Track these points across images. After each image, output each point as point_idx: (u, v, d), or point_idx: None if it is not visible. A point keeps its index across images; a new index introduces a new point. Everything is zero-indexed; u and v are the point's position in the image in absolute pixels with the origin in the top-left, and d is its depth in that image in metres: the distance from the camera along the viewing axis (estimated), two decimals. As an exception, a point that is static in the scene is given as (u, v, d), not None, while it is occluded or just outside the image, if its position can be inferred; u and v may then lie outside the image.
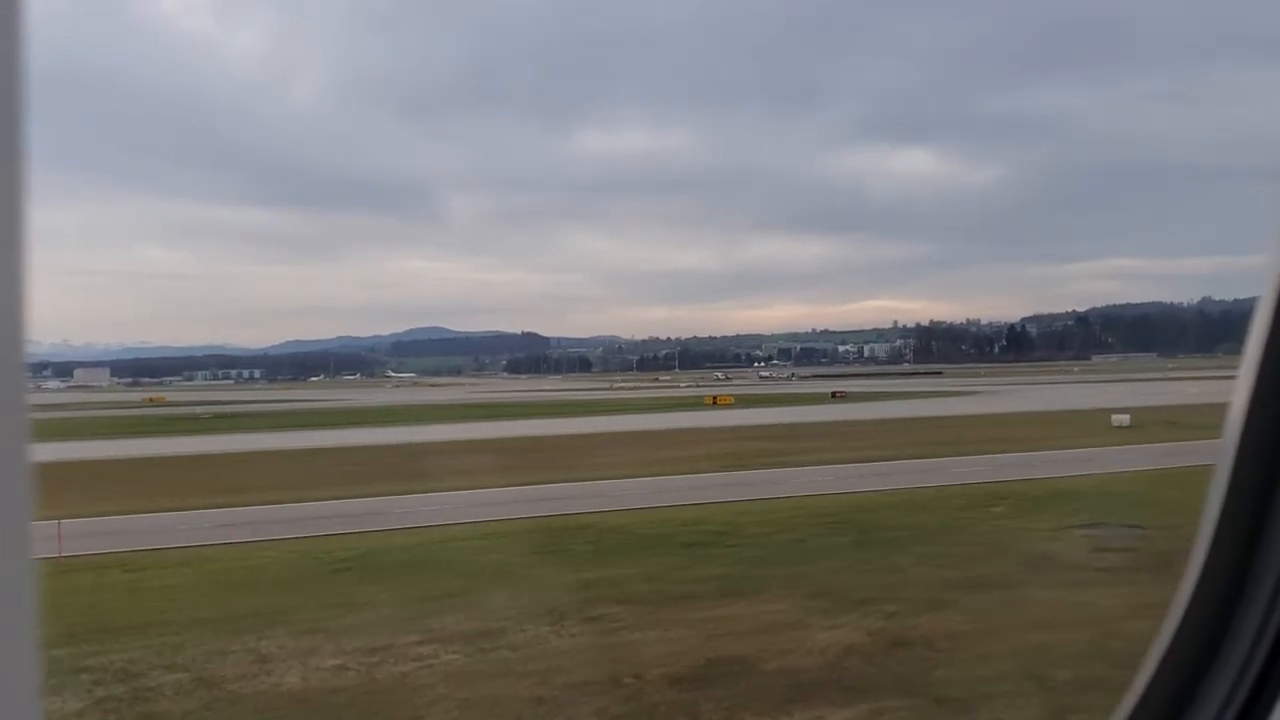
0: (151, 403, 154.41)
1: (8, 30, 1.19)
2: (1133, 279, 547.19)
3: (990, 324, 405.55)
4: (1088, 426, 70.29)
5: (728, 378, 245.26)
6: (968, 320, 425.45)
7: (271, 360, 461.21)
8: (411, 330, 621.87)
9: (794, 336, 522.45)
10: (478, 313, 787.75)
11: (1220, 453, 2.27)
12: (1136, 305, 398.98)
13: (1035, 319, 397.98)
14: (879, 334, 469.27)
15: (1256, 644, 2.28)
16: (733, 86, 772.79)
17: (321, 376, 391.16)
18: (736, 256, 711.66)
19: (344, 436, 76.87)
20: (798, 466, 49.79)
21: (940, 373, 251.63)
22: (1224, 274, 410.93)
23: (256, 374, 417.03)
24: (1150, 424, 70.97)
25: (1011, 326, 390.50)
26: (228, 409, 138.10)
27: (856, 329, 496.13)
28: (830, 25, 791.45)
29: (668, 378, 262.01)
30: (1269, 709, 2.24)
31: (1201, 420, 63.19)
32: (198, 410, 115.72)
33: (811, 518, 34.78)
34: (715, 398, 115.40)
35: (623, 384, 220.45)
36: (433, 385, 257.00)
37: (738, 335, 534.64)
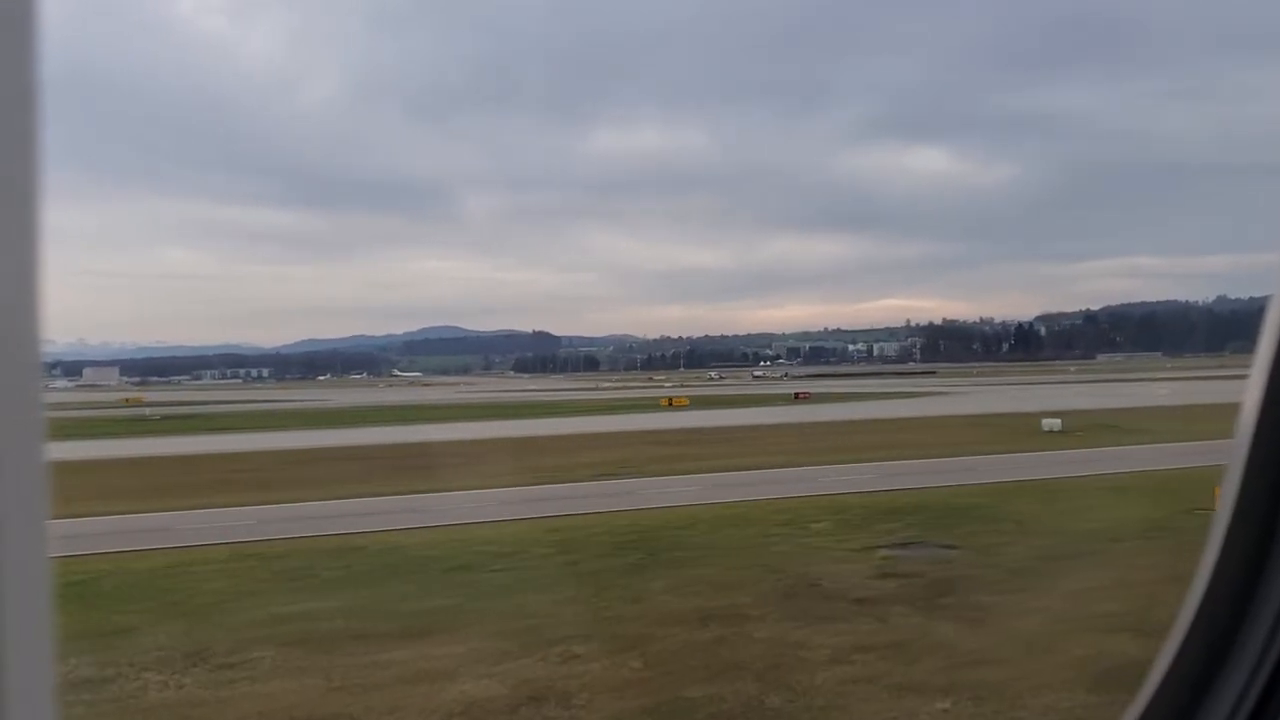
0: (128, 403, 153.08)
1: (22, 31, 1.19)
2: (1150, 277, 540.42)
3: (1003, 323, 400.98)
4: (1017, 431, 67.28)
5: (720, 377, 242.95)
6: (980, 319, 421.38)
7: (281, 360, 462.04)
8: (425, 330, 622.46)
9: (806, 336, 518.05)
10: (492, 312, 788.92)
11: (1233, 451, 2.20)
12: (1149, 304, 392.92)
13: (1046, 318, 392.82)
14: (891, 333, 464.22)
15: (1269, 644, 2.25)
16: (746, 85, 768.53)
17: (328, 376, 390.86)
18: (751, 256, 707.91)
19: (268, 440, 74.90)
20: (675, 475, 47.28)
21: (934, 372, 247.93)
22: (1240, 272, 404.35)
23: (265, 373, 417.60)
24: (1086, 428, 67.85)
25: (1020, 326, 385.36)
26: (197, 409, 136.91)
27: (869, 328, 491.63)
28: (844, 23, 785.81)
29: (662, 377, 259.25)
30: None
31: (1145, 425, 59.97)
32: (146, 411, 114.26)
33: (613, 536, 32.24)
34: (671, 399, 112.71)
35: (610, 384, 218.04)
36: (427, 385, 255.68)
37: (749, 334, 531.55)
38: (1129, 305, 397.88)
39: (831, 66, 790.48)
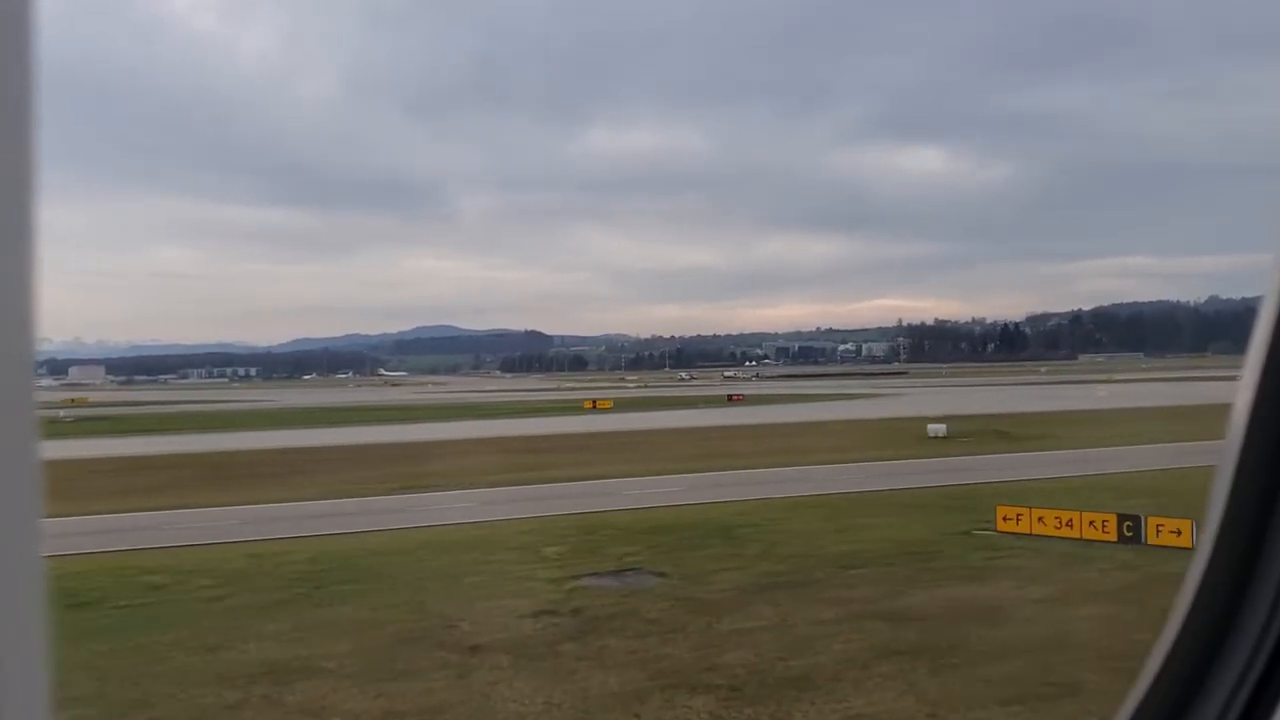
0: (73, 404, 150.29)
1: (18, 30, 1.18)
2: (1145, 277, 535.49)
3: (991, 323, 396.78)
4: (902, 436, 64.02)
5: (691, 378, 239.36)
6: (972, 319, 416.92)
7: (269, 359, 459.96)
8: (419, 328, 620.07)
9: (798, 335, 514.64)
10: (485, 311, 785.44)
11: (1224, 452, 2.17)
12: (1141, 304, 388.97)
13: (1033, 319, 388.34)
14: (882, 333, 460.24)
15: (1259, 645, 2.23)
16: (742, 85, 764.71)
17: (314, 375, 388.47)
18: (746, 255, 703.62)
19: (149, 444, 71.98)
20: (487, 488, 44.12)
21: (906, 373, 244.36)
22: (1234, 272, 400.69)
23: (252, 372, 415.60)
24: (976, 434, 64.62)
25: (1005, 326, 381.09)
26: (141, 410, 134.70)
27: (861, 328, 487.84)
28: (839, 24, 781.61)
29: (634, 378, 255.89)
30: (1271, 710, 2.21)
31: (1046, 430, 56.30)
32: (60, 414, 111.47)
33: (308, 565, 29.09)
34: (595, 402, 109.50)
35: (576, 384, 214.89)
36: (397, 385, 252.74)
37: (741, 334, 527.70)
38: (1118, 306, 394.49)
39: (828, 66, 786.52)
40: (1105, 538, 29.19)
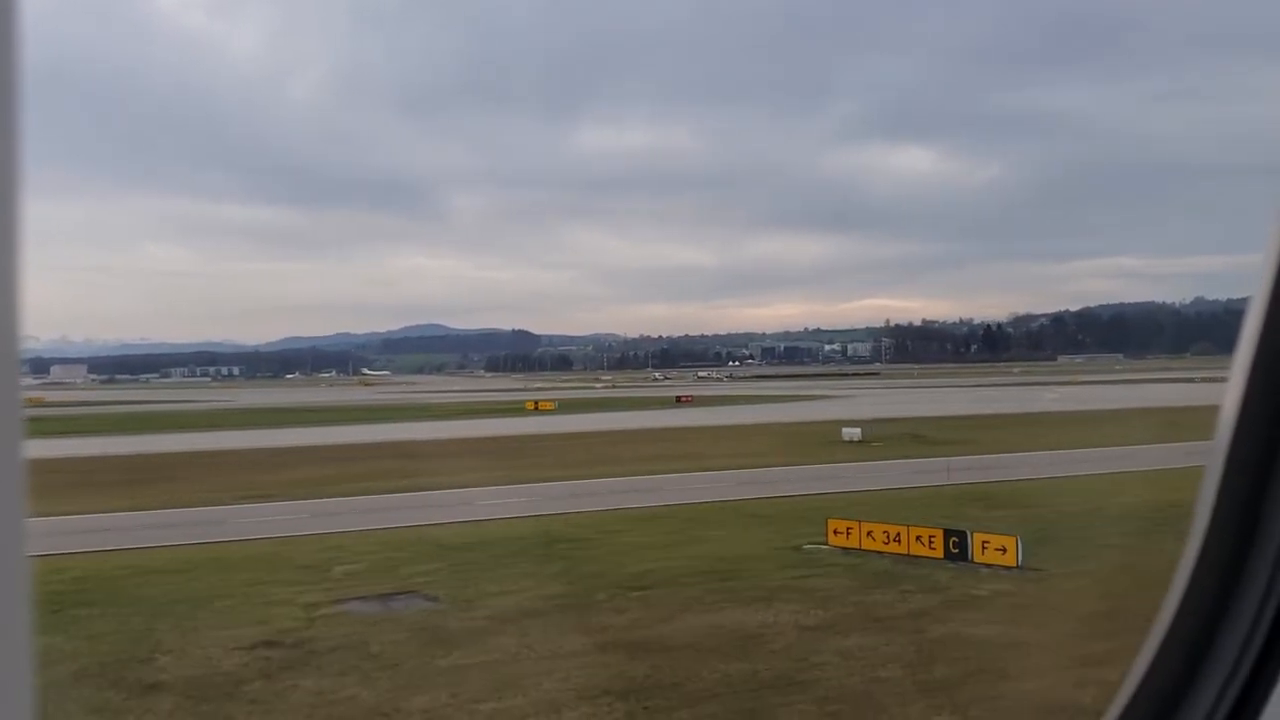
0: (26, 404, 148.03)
1: (3, 28, 1.18)
2: (1135, 278, 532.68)
3: (977, 324, 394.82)
4: (814, 441, 61.85)
5: (665, 378, 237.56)
6: (960, 319, 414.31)
7: (255, 358, 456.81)
8: (409, 327, 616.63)
9: (787, 335, 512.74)
10: (476, 310, 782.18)
11: (1212, 452, 2.20)
12: (1125, 305, 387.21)
13: (1020, 319, 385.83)
14: (871, 333, 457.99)
15: (1247, 645, 2.27)
16: (735, 85, 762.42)
17: (297, 374, 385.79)
18: (738, 255, 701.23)
19: (58, 446, 69.42)
20: (363, 496, 42.04)
21: (877, 374, 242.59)
22: (1223, 272, 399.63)
23: (235, 371, 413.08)
24: (892, 438, 62.47)
25: (988, 326, 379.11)
26: (90, 411, 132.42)
27: (849, 328, 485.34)
28: (832, 24, 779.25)
29: (609, 378, 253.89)
30: (1259, 710, 2.25)
31: (965, 435, 54.01)
32: None
33: (63, 585, 26.70)
34: (536, 403, 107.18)
35: (540, 384, 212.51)
36: (368, 385, 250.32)
37: (729, 334, 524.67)
38: (1105, 306, 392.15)
39: (821, 67, 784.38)
40: (932, 554, 27.01)
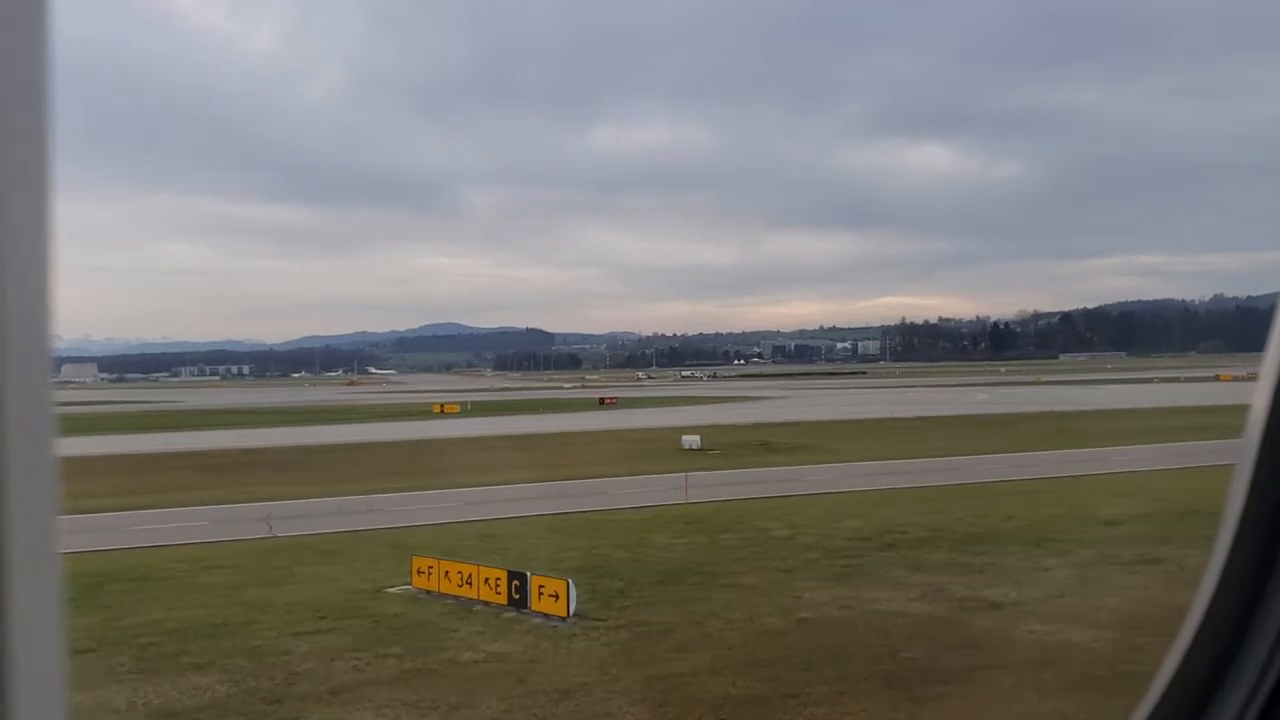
0: None
1: (32, 29, 1.19)
2: (1156, 275, 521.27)
3: (985, 321, 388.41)
4: (655, 449, 57.73)
5: (650, 377, 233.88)
6: (976, 317, 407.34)
7: (268, 356, 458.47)
8: (425, 326, 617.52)
9: (802, 334, 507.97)
10: (493, 309, 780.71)
11: (1241, 452, 2.16)
12: (1141, 303, 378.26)
13: (1028, 317, 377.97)
14: (885, 332, 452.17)
15: (1276, 647, 2.24)
16: (749, 81, 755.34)
17: (304, 373, 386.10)
18: (755, 252, 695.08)
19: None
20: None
21: (865, 373, 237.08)
22: (1247, 270, 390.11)
23: (245, 370, 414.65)
24: (737, 446, 58.27)
25: (995, 325, 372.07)
26: (67, 411, 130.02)
27: (864, 326, 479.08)
28: (847, 20, 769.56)
29: (595, 377, 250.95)
30: None
31: (820, 443, 49.75)
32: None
33: None
34: (442, 406, 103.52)
35: (523, 385, 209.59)
36: (354, 384, 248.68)
37: (744, 332, 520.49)
38: (1118, 305, 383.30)
39: (836, 63, 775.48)
40: (498, 598, 22.98)
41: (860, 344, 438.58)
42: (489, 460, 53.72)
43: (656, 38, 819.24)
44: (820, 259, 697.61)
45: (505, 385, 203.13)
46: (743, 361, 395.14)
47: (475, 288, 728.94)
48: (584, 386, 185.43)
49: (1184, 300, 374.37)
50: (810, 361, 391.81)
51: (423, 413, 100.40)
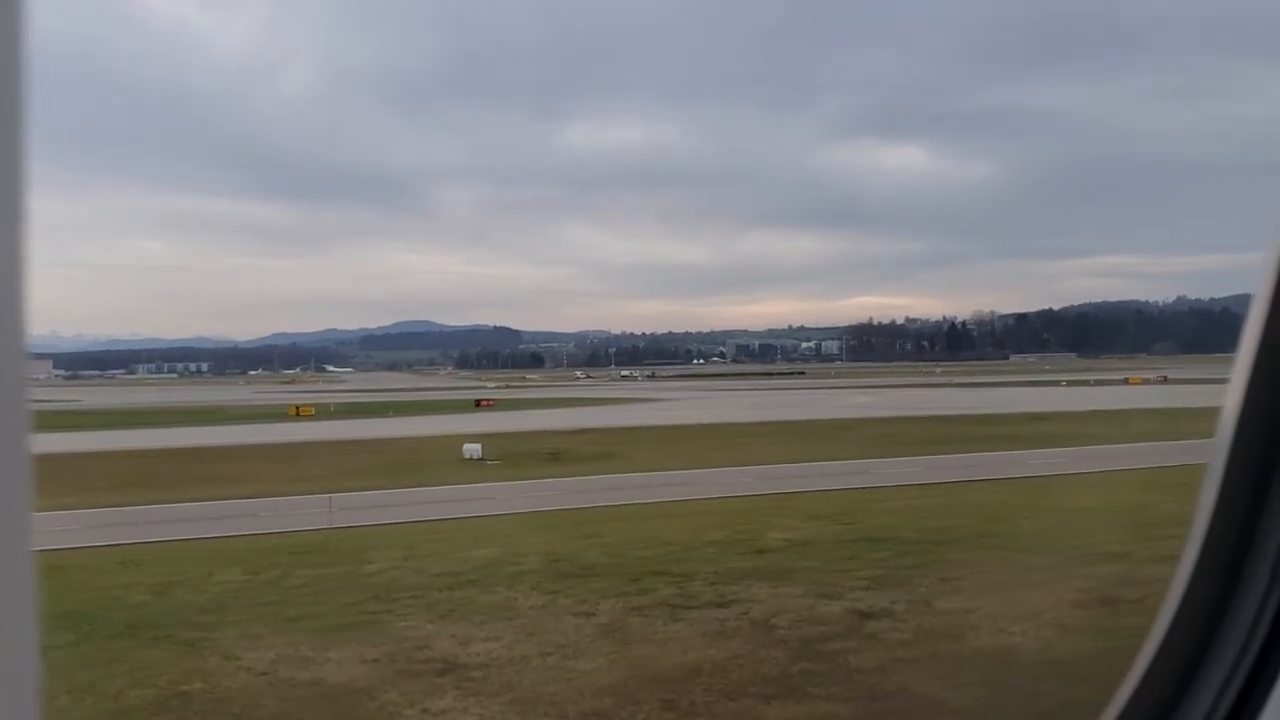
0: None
1: (9, 24, 1.18)
2: (1124, 276, 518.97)
3: (940, 322, 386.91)
4: (434, 458, 53.77)
5: (589, 376, 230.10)
6: (944, 317, 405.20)
7: (230, 354, 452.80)
8: (398, 324, 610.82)
9: (772, 333, 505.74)
10: (465, 307, 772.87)
11: (1213, 451, 2.20)
12: (1107, 304, 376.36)
13: (988, 317, 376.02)
14: (852, 331, 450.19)
15: (1247, 644, 2.27)
16: (724, 81, 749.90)
17: (261, 370, 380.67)
18: (730, 251, 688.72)
19: None
20: None
21: (804, 373, 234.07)
22: (1207, 271, 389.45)
23: (205, 368, 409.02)
24: (524, 456, 54.38)
25: (952, 325, 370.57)
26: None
27: (832, 326, 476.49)
28: (823, 19, 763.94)
29: (534, 376, 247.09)
30: (1258, 710, 2.24)
31: (621, 451, 45.69)
32: None
33: None
34: (298, 408, 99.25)
35: (438, 384, 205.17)
36: (289, 383, 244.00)
37: (713, 331, 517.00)
38: (1083, 305, 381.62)
39: (811, 63, 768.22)
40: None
41: (824, 344, 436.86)
42: (228, 472, 49.68)
43: (633, 37, 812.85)
44: (795, 258, 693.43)
45: (427, 385, 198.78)
46: (702, 361, 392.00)
47: (448, 285, 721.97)
48: (506, 386, 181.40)
49: (1147, 301, 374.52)
50: (772, 361, 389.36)
51: (281, 415, 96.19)
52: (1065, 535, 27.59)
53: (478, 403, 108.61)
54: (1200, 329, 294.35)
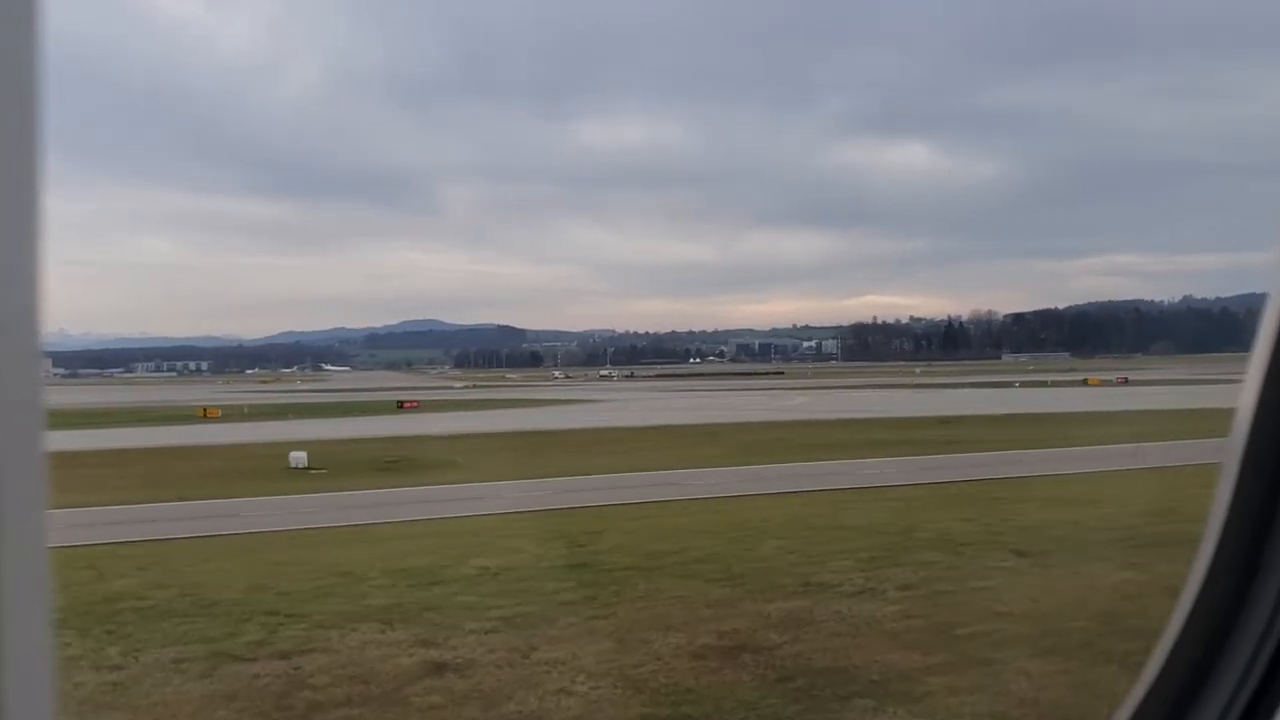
0: None
1: (24, 26, 1.17)
2: (1130, 276, 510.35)
3: (938, 321, 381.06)
4: (258, 466, 49.41)
5: (567, 376, 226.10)
6: (949, 316, 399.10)
7: (234, 353, 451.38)
8: (404, 322, 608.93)
9: (775, 332, 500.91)
10: (472, 305, 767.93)
11: (1227, 450, 2.16)
12: (1109, 303, 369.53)
13: (985, 316, 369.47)
14: (840, 330, 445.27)
15: (1261, 645, 2.22)
16: (730, 79, 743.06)
17: (257, 369, 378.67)
18: (735, 250, 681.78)
19: None
20: None
21: (782, 373, 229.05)
22: (1219, 270, 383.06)
23: (204, 366, 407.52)
24: (359, 464, 49.95)
25: (949, 324, 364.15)
26: None
27: (836, 325, 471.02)
28: (827, 18, 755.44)
29: (514, 376, 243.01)
30: (1273, 710, 2.20)
31: (472, 461, 41.44)
32: None
33: None
34: (206, 409, 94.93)
35: (400, 384, 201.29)
36: (263, 382, 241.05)
37: (716, 330, 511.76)
38: (1084, 305, 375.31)
39: (815, 61, 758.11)
40: None
41: (824, 343, 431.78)
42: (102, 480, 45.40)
43: (638, 36, 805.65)
44: (801, 257, 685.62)
45: (403, 384, 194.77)
46: (698, 360, 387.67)
47: (453, 284, 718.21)
48: (473, 386, 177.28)
49: (1152, 301, 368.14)
50: (770, 360, 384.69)
51: (191, 417, 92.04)
52: (786, 562, 23.06)
53: (400, 404, 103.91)
54: (1200, 329, 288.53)
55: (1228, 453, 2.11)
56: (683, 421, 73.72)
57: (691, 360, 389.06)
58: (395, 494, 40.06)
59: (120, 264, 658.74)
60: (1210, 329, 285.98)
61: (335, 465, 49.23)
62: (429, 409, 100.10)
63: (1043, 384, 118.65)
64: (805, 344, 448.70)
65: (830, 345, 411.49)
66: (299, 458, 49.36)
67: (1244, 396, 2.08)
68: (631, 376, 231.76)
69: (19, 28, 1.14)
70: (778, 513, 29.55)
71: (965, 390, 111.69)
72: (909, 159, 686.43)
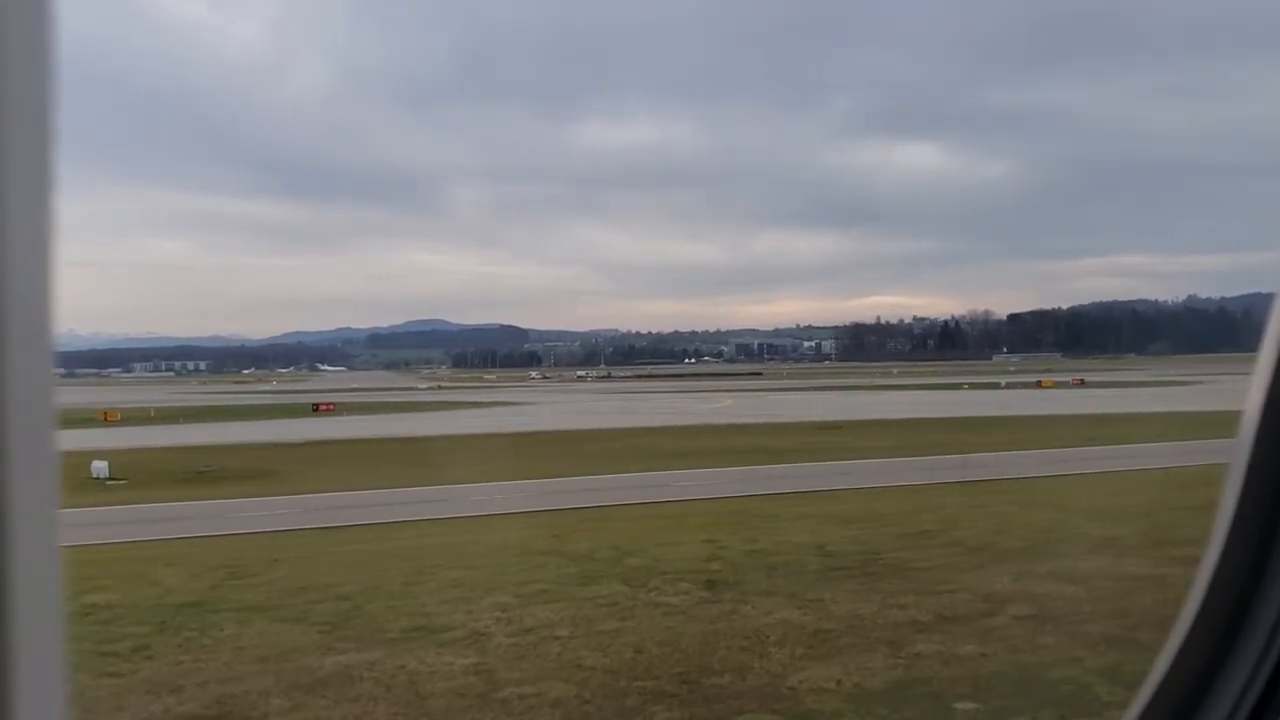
0: None
1: (38, 28, 1.17)
2: (1136, 276, 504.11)
3: (933, 321, 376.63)
4: (65, 474, 45.15)
5: (545, 376, 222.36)
6: (952, 316, 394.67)
7: (233, 353, 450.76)
8: (409, 323, 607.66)
9: (778, 332, 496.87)
10: (478, 305, 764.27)
11: (1235, 450, 2.14)
12: (1113, 303, 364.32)
13: (981, 316, 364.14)
14: (836, 330, 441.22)
15: (1269, 646, 2.22)
16: (736, 80, 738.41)
17: (253, 370, 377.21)
18: (742, 250, 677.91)
19: None
20: None
21: (760, 374, 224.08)
22: (1224, 270, 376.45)
23: (201, 366, 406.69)
24: (169, 474, 46.02)
25: (945, 324, 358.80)
26: None
27: (839, 325, 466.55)
28: (835, 17, 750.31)
29: (491, 376, 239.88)
30: (1279, 714, 2.21)
31: (295, 470, 37.41)
32: None
33: None
34: (106, 413, 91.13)
35: (370, 385, 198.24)
36: (248, 382, 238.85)
37: (719, 330, 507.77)
38: (1087, 305, 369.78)
39: (822, 61, 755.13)
40: None
41: (824, 343, 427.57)
42: None
43: (644, 36, 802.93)
44: (808, 257, 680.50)
45: (378, 385, 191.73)
46: (692, 361, 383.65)
47: (458, 285, 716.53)
48: (440, 388, 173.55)
49: (1156, 301, 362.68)
50: (766, 360, 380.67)
51: (87, 420, 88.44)
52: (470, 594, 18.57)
53: (315, 407, 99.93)
54: (1199, 329, 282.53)
55: (1234, 454, 2.05)
56: (572, 427, 69.52)
57: (687, 361, 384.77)
58: (167, 509, 36.09)
59: (126, 264, 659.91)
60: (1209, 329, 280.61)
61: (144, 475, 45.45)
62: (346, 411, 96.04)
63: (995, 386, 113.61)
64: (806, 344, 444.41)
65: (830, 345, 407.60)
66: (100, 467, 45.49)
67: (1250, 398, 2.02)
68: (608, 377, 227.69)
69: (33, 32, 1.13)
70: (433, 541, 25.34)
71: (912, 392, 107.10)
72: (915, 159, 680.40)
